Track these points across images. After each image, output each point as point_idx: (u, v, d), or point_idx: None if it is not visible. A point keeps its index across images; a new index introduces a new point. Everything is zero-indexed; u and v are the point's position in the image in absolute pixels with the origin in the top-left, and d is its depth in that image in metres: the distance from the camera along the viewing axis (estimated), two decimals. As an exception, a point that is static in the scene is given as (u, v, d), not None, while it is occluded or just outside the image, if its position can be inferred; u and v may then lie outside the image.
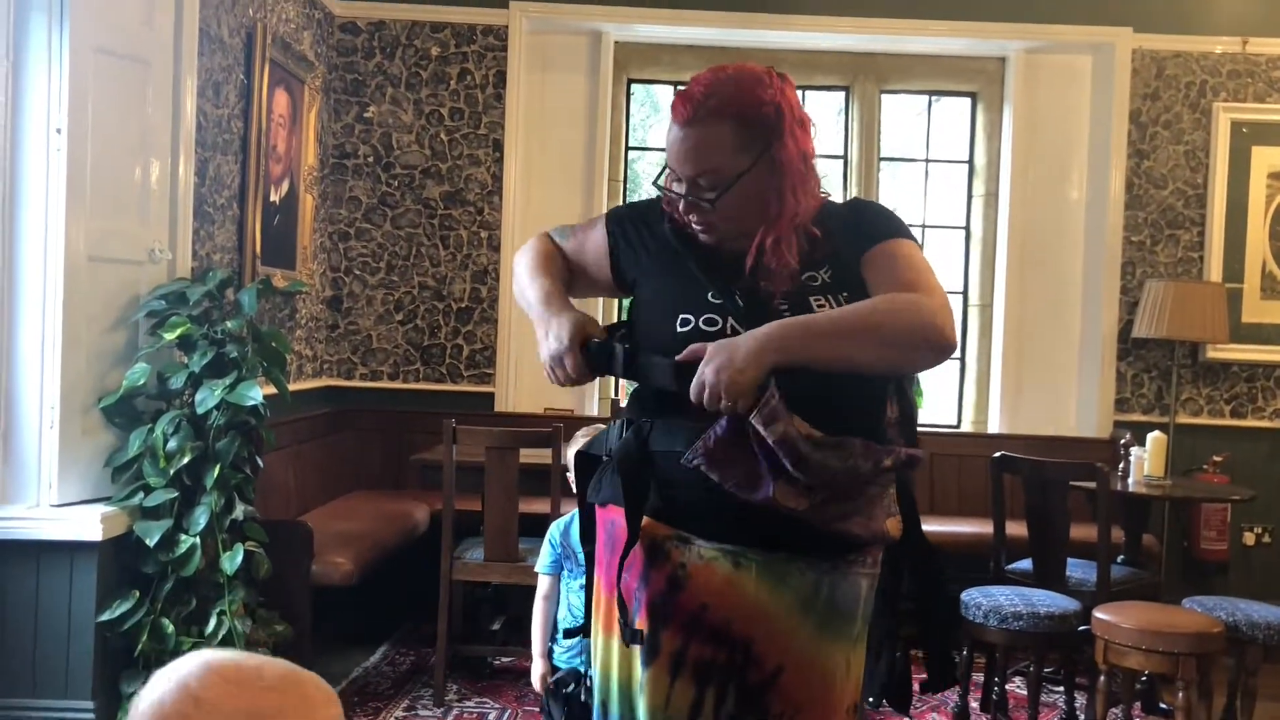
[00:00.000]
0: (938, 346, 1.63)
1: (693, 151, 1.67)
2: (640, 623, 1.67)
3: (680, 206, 1.72)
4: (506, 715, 3.84)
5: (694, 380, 1.58)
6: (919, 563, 1.75)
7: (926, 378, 5.81)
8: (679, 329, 1.68)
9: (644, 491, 1.67)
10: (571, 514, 1.94)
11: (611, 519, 1.74)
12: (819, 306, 1.67)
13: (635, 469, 1.68)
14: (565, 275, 1.86)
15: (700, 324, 1.67)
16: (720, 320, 1.67)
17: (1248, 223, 5.36)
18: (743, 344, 1.57)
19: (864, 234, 1.73)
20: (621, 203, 5.72)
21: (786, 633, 1.65)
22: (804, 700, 1.66)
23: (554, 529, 2.99)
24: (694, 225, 1.73)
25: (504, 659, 4.39)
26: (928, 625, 1.77)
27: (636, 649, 1.68)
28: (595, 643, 1.78)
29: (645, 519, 1.67)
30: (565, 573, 2.93)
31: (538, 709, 3.87)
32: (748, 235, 1.70)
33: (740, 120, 1.66)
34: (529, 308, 1.80)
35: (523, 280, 1.84)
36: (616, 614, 1.69)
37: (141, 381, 3.27)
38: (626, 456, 1.69)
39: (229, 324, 3.40)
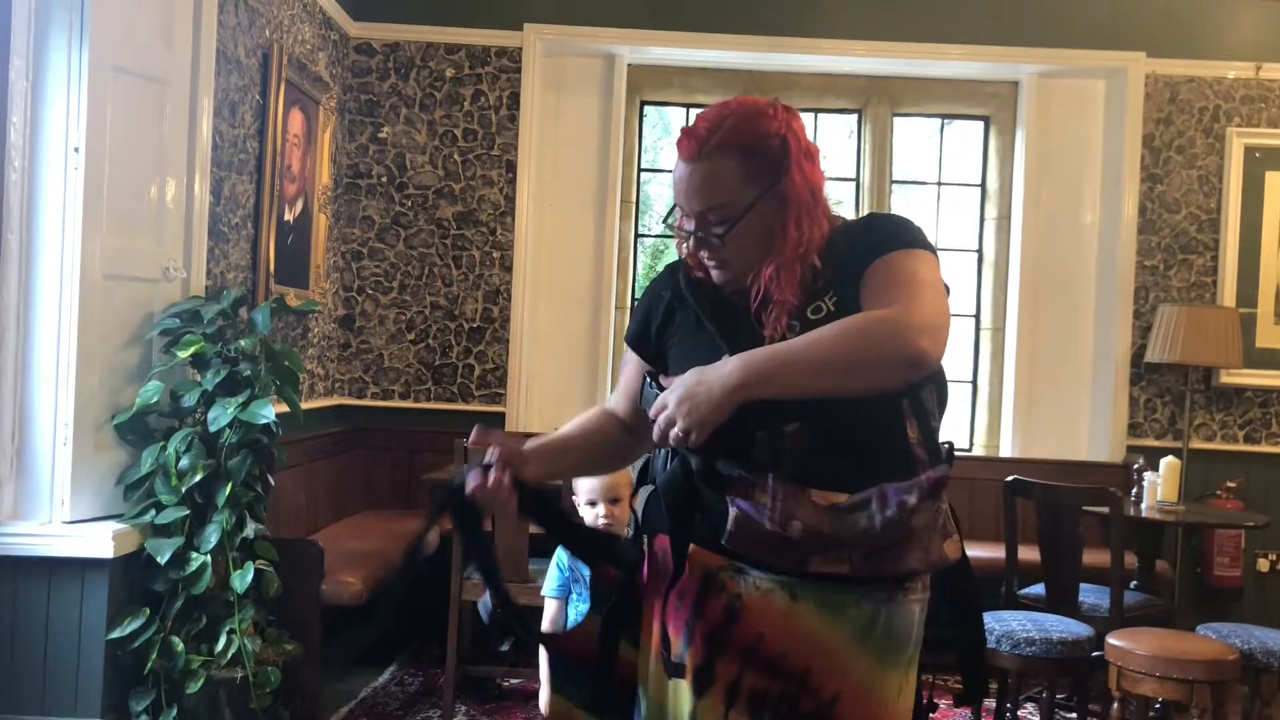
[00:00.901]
0: (915, 364, 1.59)
1: (700, 186, 1.67)
2: (694, 653, 1.65)
3: (690, 244, 1.72)
4: (515, 737, 3.83)
5: (653, 409, 1.59)
6: (960, 575, 1.72)
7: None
8: None
9: (690, 523, 1.66)
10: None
11: (662, 548, 1.72)
12: None
13: (682, 501, 1.66)
14: (593, 433, 1.90)
15: None
16: None
17: (1261, 247, 5.34)
18: (708, 375, 1.57)
19: (868, 250, 1.71)
20: (633, 226, 5.73)
21: (844, 663, 1.63)
22: None
23: (561, 551, 2.96)
24: (706, 263, 1.73)
25: (513, 680, 4.37)
26: (963, 638, 1.75)
27: (684, 681, 1.67)
28: (647, 671, 1.75)
29: (697, 549, 1.67)
30: (574, 595, 2.92)
31: (546, 731, 3.86)
32: (758, 272, 1.70)
33: (746, 153, 1.66)
34: None
35: None
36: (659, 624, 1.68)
37: (155, 399, 3.28)
38: (673, 489, 1.67)
39: (242, 342, 3.41)
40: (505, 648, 4.53)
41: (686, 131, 1.70)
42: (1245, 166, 5.34)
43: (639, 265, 5.98)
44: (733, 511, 1.57)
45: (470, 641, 4.31)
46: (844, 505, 1.55)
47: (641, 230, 5.93)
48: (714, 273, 1.74)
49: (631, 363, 1.88)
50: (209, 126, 3.71)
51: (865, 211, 5.66)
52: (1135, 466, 4.60)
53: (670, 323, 1.81)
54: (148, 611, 3.17)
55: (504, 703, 4.17)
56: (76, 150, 3.14)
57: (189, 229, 3.62)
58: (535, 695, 4.21)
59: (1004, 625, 3.58)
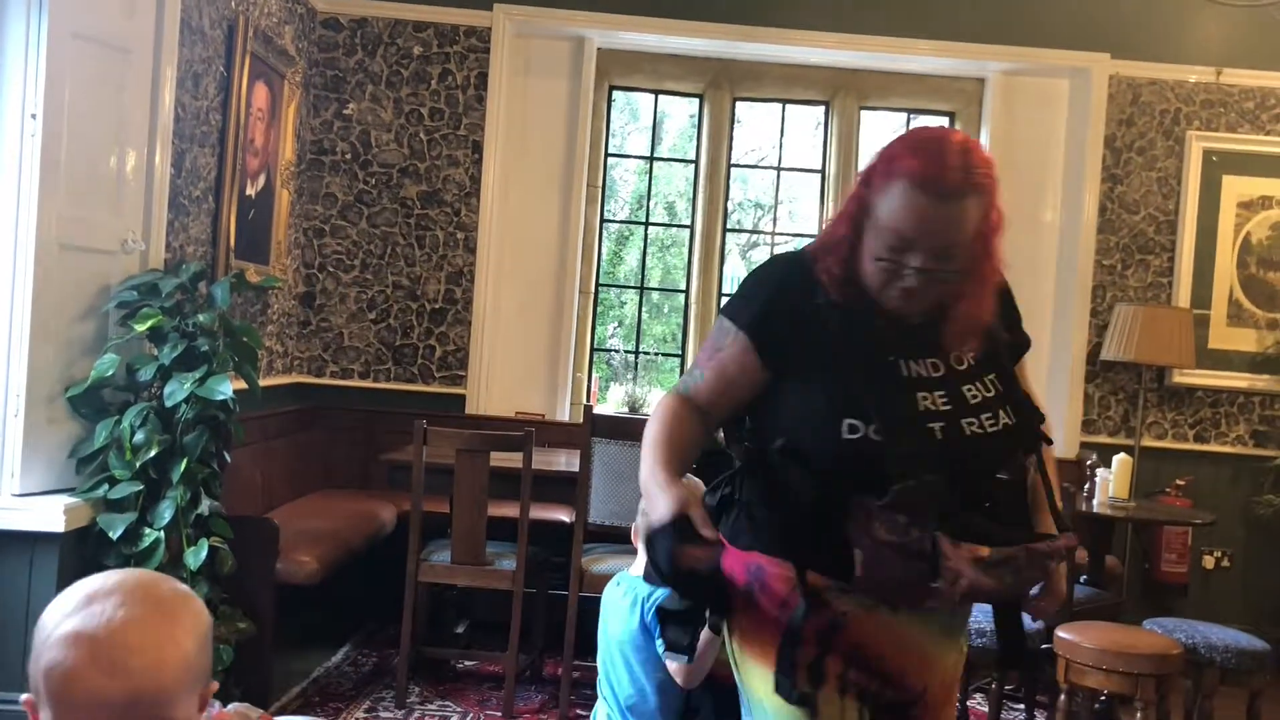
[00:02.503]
0: None
1: (954, 223, 1.63)
2: (804, 652, 1.69)
3: (911, 281, 1.66)
4: (469, 719, 3.82)
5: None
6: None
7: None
8: (846, 435, 1.65)
9: (814, 554, 1.70)
10: (663, 589, 1.71)
11: (757, 564, 1.74)
12: (970, 395, 1.73)
13: (808, 533, 1.69)
14: (692, 437, 1.77)
15: (870, 434, 1.64)
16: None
17: (1216, 250, 5.43)
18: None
19: (1012, 326, 1.96)
20: (599, 211, 5.71)
21: (933, 660, 1.79)
22: (940, 704, 1.81)
23: (642, 597, 2.45)
24: (897, 297, 1.68)
25: (467, 662, 4.37)
26: (1007, 609, 1.85)
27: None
28: (751, 673, 1.75)
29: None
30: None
31: (500, 713, 3.86)
32: (935, 305, 1.72)
33: (985, 191, 1.66)
34: (642, 475, 1.72)
35: (644, 448, 1.74)
36: (776, 652, 1.70)
37: (110, 372, 3.23)
38: (799, 520, 1.70)
39: (201, 317, 3.37)
40: (460, 630, 4.53)
41: (944, 166, 1.62)
42: (1203, 170, 5.42)
43: (604, 250, 5.97)
44: (859, 554, 1.63)
45: (425, 623, 4.30)
46: (990, 559, 1.61)
47: (607, 215, 5.92)
48: (900, 301, 1.69)
49: (741, 349, 1.75)
50: (171, 97, 3.65)
51: (830, 203, 5.69)
52: (1088, 462, 4.67)
53: (801, 334, 1.72)
54: (98, 587, 3.13)
55: (458, 684, 4.16)
56: (34, 117, 3.07)
57: (149, 201, 3.57)
58: (489, 677, 4.21)
59: (956, 616, 3.61)
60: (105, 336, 3.37)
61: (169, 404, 3.21)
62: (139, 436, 3.18)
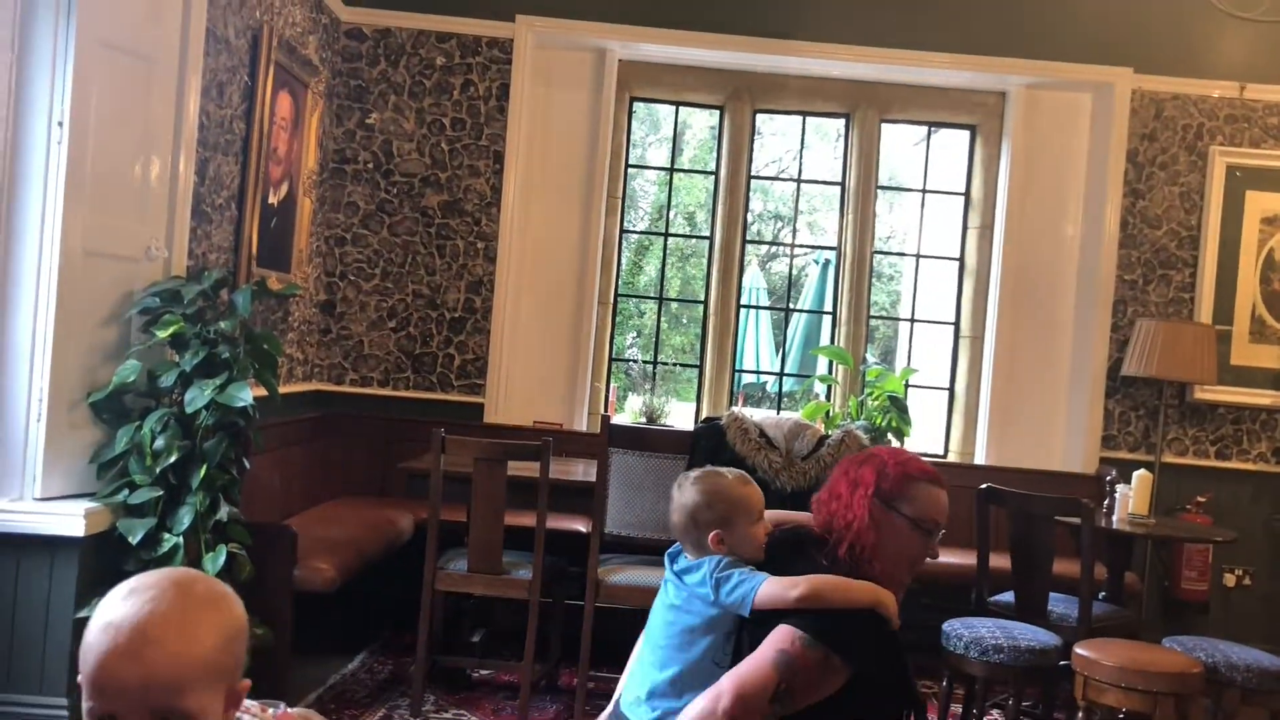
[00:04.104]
0: None
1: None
2: None
3: (932, 552, 2.20)
4: (483, 728, 3.82)
5: None
6: None
7: (914, 407, 5.77)
8: None
9: None
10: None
11: None
12: None
13: None
14: None
15: None
16: None
17: (1239, 265, 5.40)
18: None
19: None
20: (619, 222, 5.73)
21: None
22: None
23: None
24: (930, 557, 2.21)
25: (483, 671, 4.37)
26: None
27: None
28: None
29: None
30: None
31: (514, 723, 3.86)
32: None
33: None
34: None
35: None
36: None
37: (131, 378, 3.26)
38: None
39: (222, 324, 3.40)
40: (476, 639, 4.53)
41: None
42: (1226, 185, 5.39)
43: (623, 260, 5.99)
44: None
45: (441, 631, 4.31)
46: None
47: (627, 226, 5.93)
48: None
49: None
50: (196, 106, 3.69)
51: (850, 216, 5.69)
52: (1108, 478, 4.64)
53: None
54: (118, 591, 3.15)
55: (474, 694, 4.16)
56: (60, 125, 3.11)
57: (172, 208, 3.60)
58: (505, 686, 4.22)
59: (973, 632, 3.60)
60: (127, 343, 3.39)
61: (189, 410, 3.23)
62: (159, 442, 3.20)
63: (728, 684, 2.02)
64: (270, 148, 4.40)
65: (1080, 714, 3.38)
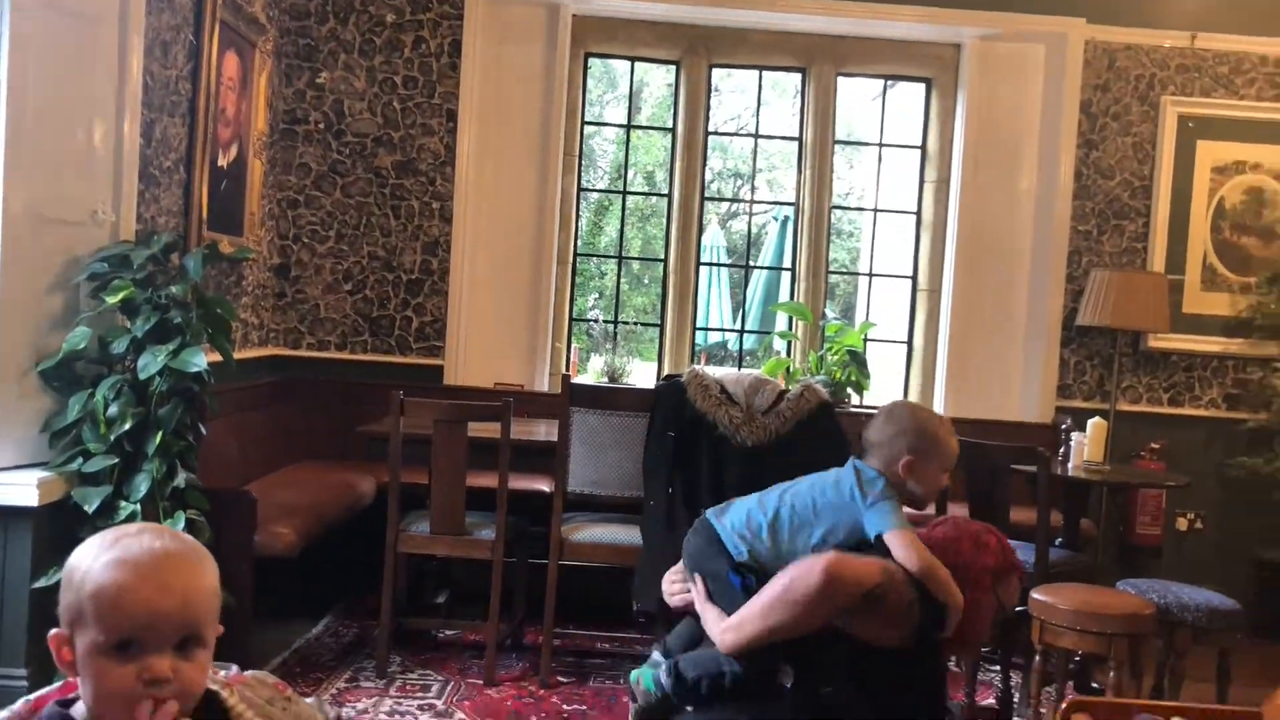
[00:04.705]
0: None
1: None
2: None
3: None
4: (449, 687, 3.84)
5: None
6: None
7: (873, 361, 5.77)
8: None
9: None
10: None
11: None
12: None
13: None
14: None
15: None
16: None
17: (1191, 215, 5.46)
18: None
19: None
20: (576, 180, 5.69)
21: None
22: None
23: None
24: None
25: (448, 632, 4.38)
26: None
27: None
28: None
29: None
30: None
31: (481, 681, 3.88)
32: None
33: None
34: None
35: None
36: None
37: (82, 345, 3.21)
38: None
39: (173, 289, 3.34)
40: (441, 600, 4.54)
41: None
42: (1178, 135, 5.43)
43: (582, 220, 5.95)
44: None
45: (405, 594, 4.31)
46: None
47: (585, 185, 5.89)
48: None
49: None
50: (139, 66, 3.60)
51: (808, 171, 5.69)
52: (1063, 427, 4.70)
53: None
54: (74, 561, 3.12)
55: (439, 654, 4.17)
56: (-1, 87, 3.03)
57: (118, 171, 3.53)
58: (471, 646, 4.23)
59: (932, 580, 3.64)
60: (76, 309, 3.34)
61: (143, 376, 3.19)
62: (113, 410, 3.16)
63: (835, 555, 2.39)
64: (218, 109, 4.32)
65: (1037, 657, 3.44)
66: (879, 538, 2.52)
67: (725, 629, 2.47)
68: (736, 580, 2.54)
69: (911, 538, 2.50)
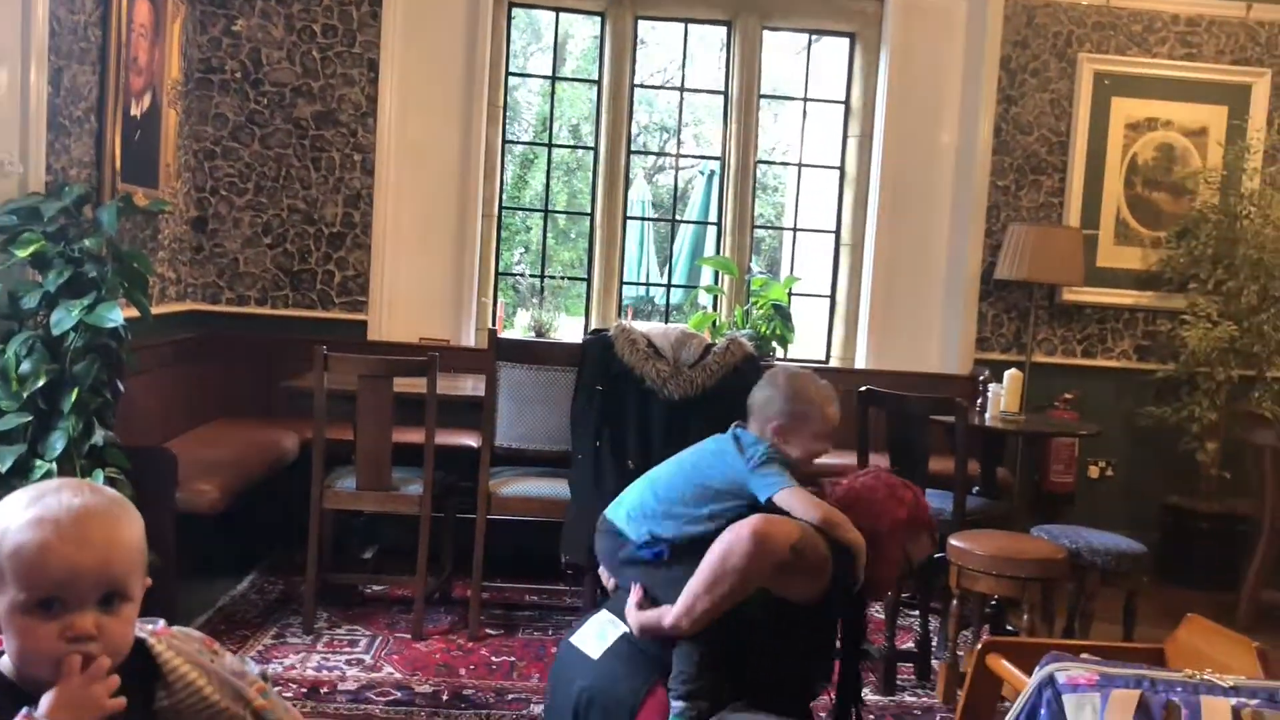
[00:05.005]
0: None
1: None
2: None
3: None
4: (377, 642, 3.84)
5: None
6: None
7: (798, 314, 5.84)
8: None
9: None
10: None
11: None
12: None
13: None
14: None
15: None
16: None
17: (1105, 170, 5.59)
18: None
19: None
20: (500, 132, 5.63)
21: None
22: None
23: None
24: None
25: (375, 587, 4.37)
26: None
27: None
28: None
29: None
30: None
31: (409, 635, 3.89)
32: None
33: None
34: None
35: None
36: None
37: (-9, 300, 3.11)
38: None
39: (87, 242, 3.26)
40: (367, 556, 4.52)
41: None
42: (1094, 91, 5.55)
43: (507, 173, 5.90)
44: None
45: (331, 550, 4.29)
46: None
47: (510, 137, 5.83)
48: None
49: None
50: (45, 10, 3.47)
51: (734, 126, 5.69)
52: (981, 378, 4.82)
53: None
54: (-11, 521, 3.05)
55: (366, 609, 4.17)
56: (-104, 30, 2.91)
57: (25, 120, 3.41)
58: (398, 601, 4.23)
59: (854, 528, 3.73)
60: (-16, 263, 3.23)
61: (56, 332, 3.11)
62: (25, 366, 3.08)
63: (758, 517, 2.49)
64: (130, 56, 4.19)
65: (954, 602, 3.55)
66: (770, 501, 2.59)
67: (677, 617, 2.54)
68: (649, 553, 2.60)
69: (801, 492, 2.61)
